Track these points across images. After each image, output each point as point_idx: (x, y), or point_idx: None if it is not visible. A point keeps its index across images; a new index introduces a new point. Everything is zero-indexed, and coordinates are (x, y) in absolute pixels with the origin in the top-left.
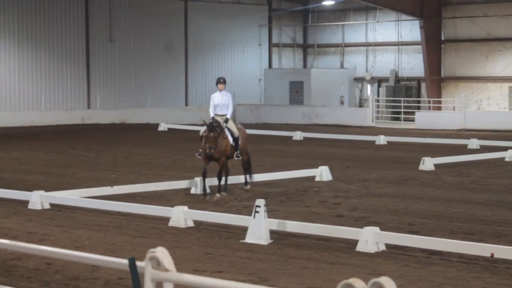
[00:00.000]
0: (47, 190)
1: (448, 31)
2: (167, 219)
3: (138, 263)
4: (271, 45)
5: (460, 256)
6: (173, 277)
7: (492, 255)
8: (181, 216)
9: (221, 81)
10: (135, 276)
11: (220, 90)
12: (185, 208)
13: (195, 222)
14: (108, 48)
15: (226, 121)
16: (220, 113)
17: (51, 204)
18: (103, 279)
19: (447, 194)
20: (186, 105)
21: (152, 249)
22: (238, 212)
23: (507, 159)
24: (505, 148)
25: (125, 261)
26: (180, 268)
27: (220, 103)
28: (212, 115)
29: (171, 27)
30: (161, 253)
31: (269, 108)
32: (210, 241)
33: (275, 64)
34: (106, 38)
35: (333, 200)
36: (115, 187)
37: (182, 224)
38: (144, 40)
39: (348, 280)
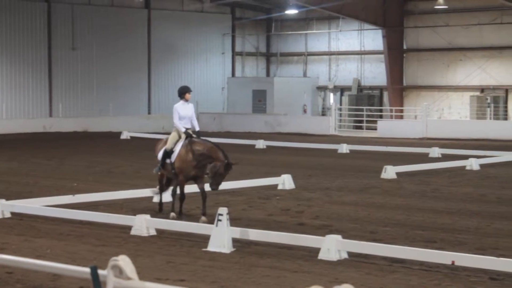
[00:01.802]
0: (8, 198)
1: (410, 41)
2: (129, 228)
3: (100, 272)
4: (234, 53)
5: (422, 264)
6: (136, 285)
7: (453, 262)
8: (143, 224)
9: (190, 90)
10: (97, 285)
11: (187, 101)
12: (147, 216)
13: (157, 230)
14: (71, 56)
15: (199, 135)
16: (185, 126)
17: (12, 213)
18: None
19: (408, 202)
20: (149, 113)
21: (114, 258)
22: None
23: (468, 168)
24: (466, 157)
25: (87, 270)
26: (142, 276)
27: (185, 115)
28: (182, 129)
29: (134, 36)
30: (123, 261)
31: (232, 116)
32: (172, 249)
33: (238, 73)
34: (68, 46)
35: (296, 208)
36: (77, 196)
37: (144, 233)
38: (107, 49)
39: (309, 287)
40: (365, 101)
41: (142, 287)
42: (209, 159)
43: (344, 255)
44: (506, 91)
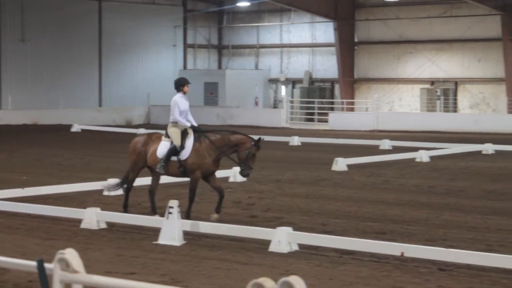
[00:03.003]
0: None
1: (361, 33)
2: (79, 221)
3: (46, 265)
4: (186, 46)
5: (372, 255)
6: (82, 279)
7: (402, 254)
8: (93, 217)
9: (189, 82)
10: (43, 278)
11: (185, 93)
12: (98, 209)
13: (107, 223)
14: (20, 48)
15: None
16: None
17: None
18: (12, 282)
19: (359, 194)
20: (100, 106)
21: (61, 251)
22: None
23: (418, 160)
24: (416, 149)
25: (34, 263)
26: (92, 270)
27: (184, 110)
28: (187, 123)
29: (85, 27)
30: (70, 254)
31: None
32: (122, 242)
33: (190, 65)
34: (18, 38)
35: (247, 200)
36: (26, 189)
37: (94, 226)
38: (57, 40)
39: (258, 279)
40: (316, 93)
41: (88, 280)
42: (234, 148)
43: (295, 247)
44: (456, 83)
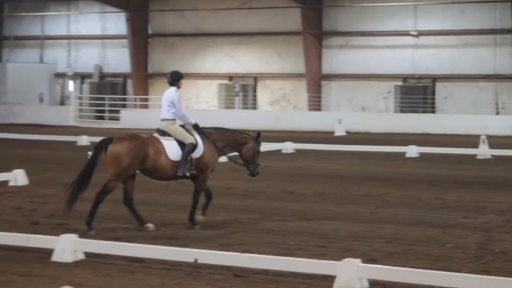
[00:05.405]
0: None
1: (156, 25)
2: None
3: None
4: None
5: (163, 262)
6: None
7: (195, 260)
8: None
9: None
10: None
11: (179, 88)
12: None
13: None
14: None
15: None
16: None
17: None
18: None
19: (152, 197)
20: None
21: None
22: None
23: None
24: None
25: None
26: None
27: None
28: (192, 121)
29: None
30: None
31: None
32: None
33: None
34: None
35: (29, 206)
36: None
37: None
38: None
39: None
40: (107, 89)
41: None
42: (236, 148)
43: (81, 256)
44: (255, 79)
